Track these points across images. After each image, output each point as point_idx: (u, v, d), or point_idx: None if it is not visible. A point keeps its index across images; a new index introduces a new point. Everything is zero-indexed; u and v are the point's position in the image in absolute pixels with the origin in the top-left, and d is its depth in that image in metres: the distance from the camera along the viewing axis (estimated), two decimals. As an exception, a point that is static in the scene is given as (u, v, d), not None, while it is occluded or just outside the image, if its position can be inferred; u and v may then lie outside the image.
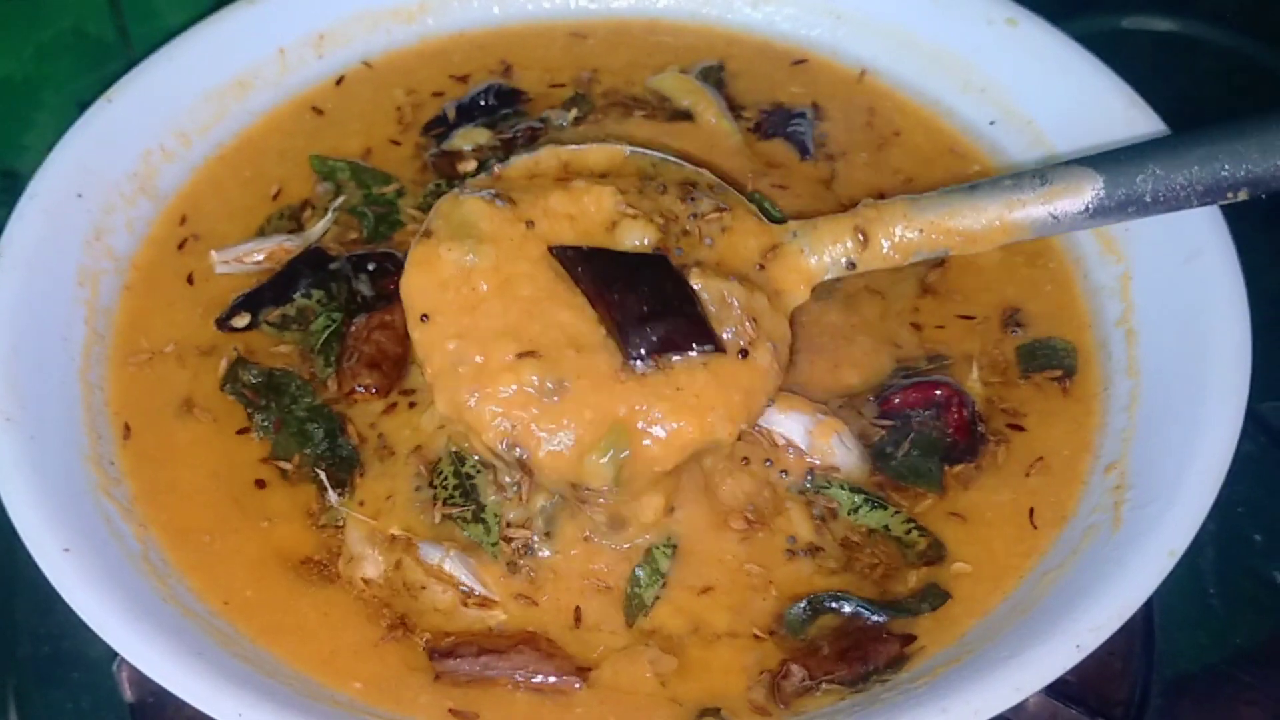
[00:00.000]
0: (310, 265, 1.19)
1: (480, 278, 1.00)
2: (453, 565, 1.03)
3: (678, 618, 1.03)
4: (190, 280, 1.21)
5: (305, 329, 1.16)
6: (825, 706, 0.98)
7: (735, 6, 1.39)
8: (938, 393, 1.10)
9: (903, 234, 1.05)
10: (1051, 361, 1.15)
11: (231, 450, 1.11)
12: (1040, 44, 1.27)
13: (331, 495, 1.06)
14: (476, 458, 1.05)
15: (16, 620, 1.26)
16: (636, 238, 1.02)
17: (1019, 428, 1.11)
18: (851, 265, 1.06)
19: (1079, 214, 1.03)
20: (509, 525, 1.05)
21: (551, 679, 0.99)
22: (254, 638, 1.01)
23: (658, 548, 1.04)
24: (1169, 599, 1.22)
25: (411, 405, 1.11)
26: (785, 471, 1.08)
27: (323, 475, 1.07)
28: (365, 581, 1.04)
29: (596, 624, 1.02)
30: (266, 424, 1.11)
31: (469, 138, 1.28)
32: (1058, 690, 1.11)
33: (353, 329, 1.14)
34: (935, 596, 1.03)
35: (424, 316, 1.00)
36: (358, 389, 1.11)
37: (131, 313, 1.19)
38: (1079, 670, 1.12)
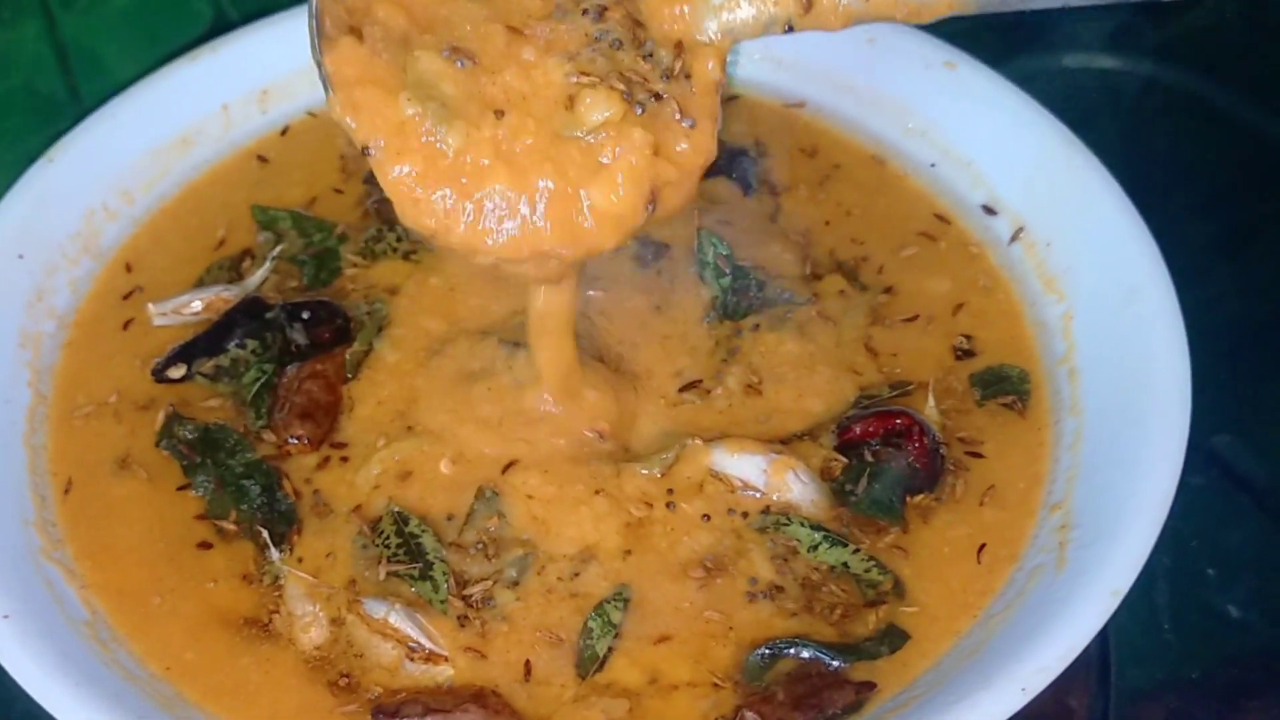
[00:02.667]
0: (248, 315, 1.19)
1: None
2: (398, 619, 1.02)
3: (633, 670, 1.02)
4: (126, 327, 1.21)
5: (239, 380, 1.16)
6: None
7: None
8: (898, 421, 1.11)
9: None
10: (1006, 388, 1.16)
11: (168, 508, 1.10)
12: (978, 86, 1.29)
13: (273, 552, 1.06)
14: (418, 520, 1.06)
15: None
16: (600, 114, 0.96)
17: (977, 454, 1.12)
18: (790, 28, 1.01)
19: None
20: (467, 581, 1.04)
21: None
22: (197, 701, 1.00)
23: (609, 600, 1.04)
24: (1124, 633, 1.23)
25: (344, 460, 1.11)
26: (745, 514, 1.08)
27: (264, 533, 1.06)
28: (306, 640, 1.03)
29: (547, 678, 1.02)
30: (205, 481, 1.11)
31: None
32: (1020, 720, 1.11)
33: (284, 379, 1.14)
34: (895, 638, 1.03)
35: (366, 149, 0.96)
36: (290, 440, 1.12)
37: (72, 368, 1.19)
38: (1035, 704, 1.13)
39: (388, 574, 1.04)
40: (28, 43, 1.35)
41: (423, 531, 1.06)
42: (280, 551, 1.06)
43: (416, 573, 1.04)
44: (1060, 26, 1.58)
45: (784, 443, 1.11)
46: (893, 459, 1.10)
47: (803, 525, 1.07)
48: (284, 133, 1.36)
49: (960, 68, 1.29)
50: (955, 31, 1.28)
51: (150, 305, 1.21)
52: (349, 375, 1.16)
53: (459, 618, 1.03)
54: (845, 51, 1.33)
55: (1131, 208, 1.17)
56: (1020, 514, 1.09)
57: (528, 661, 1.02)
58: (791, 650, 1.02)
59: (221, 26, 1.36)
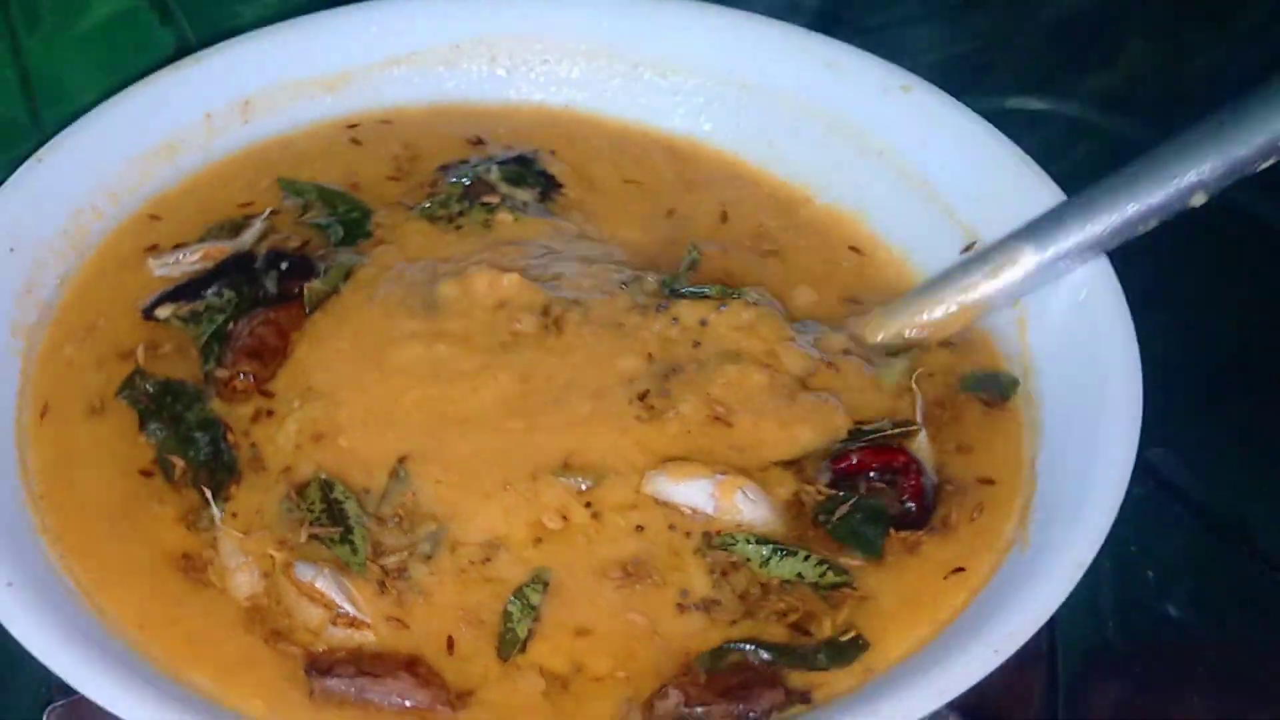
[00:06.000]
0: (236, 267, 1.24)
1: None
2: (325, 584, 1.04)
3: (556, 657, 1.03)
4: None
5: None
6: None
7: (642, 76, 1.44)
8: (901, 459, 1.12)
9: (881, 339, 1.21)
10: (995, 391, 1.20)
11: (125, 455, 1.14)
12: (934, 109, 1.34)
13: (214, 507, 1.09)
14: (343, 487, 1.09)
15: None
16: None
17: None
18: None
19: (1023, 280, 1.18)
20: (384, 551, 1.07)
21: (425, 705, 1.00)
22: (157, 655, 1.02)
23: (528, 584, 1.05)
24: (1071, 634, 1.28)
25: (269, 414, 1.15)
26: (687, 534, 1.09)
27: (207, 492, 1.09)
28: (237, 592, 1.05)
29: (471, 655, 1.03)
30: (157, 429, 1.14)
31: None
32: (971, 711, 1.14)
33: (237, 325, 1.19)
34: (849, 650, 1.03)
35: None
36: (239, 377, 1.16)
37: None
38: (990, 700, 1.18)
39: (309, 536, 1.07)
40: (-8, 67, 1.36)
41: (346, 498, 1.08)
42: (219, 503, 1.09)
43: (337, 536, 1.06)
44: (998, 71, 1.65)
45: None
46: (885, 494, 1.11)
47: (749, 543, 1.07)
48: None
49: (916, 90, 1.35)
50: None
51: (150, 259, 1.25)
52: (307, 310, 1.21)
53: (379, 583, 1.04)
54: (806, 76, 1.39)
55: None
56: (998, 514, 1.11)
57: (450, 638, 1.04)
58: (745, 647, 1.03)
59: (184, 54, 1.38)
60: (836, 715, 0.94)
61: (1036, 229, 1.19)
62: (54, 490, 1.11)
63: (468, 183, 1.34)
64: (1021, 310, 1.22)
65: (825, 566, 1.07)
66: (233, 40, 1.37)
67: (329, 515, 1.08)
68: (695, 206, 1.37)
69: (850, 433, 1.14)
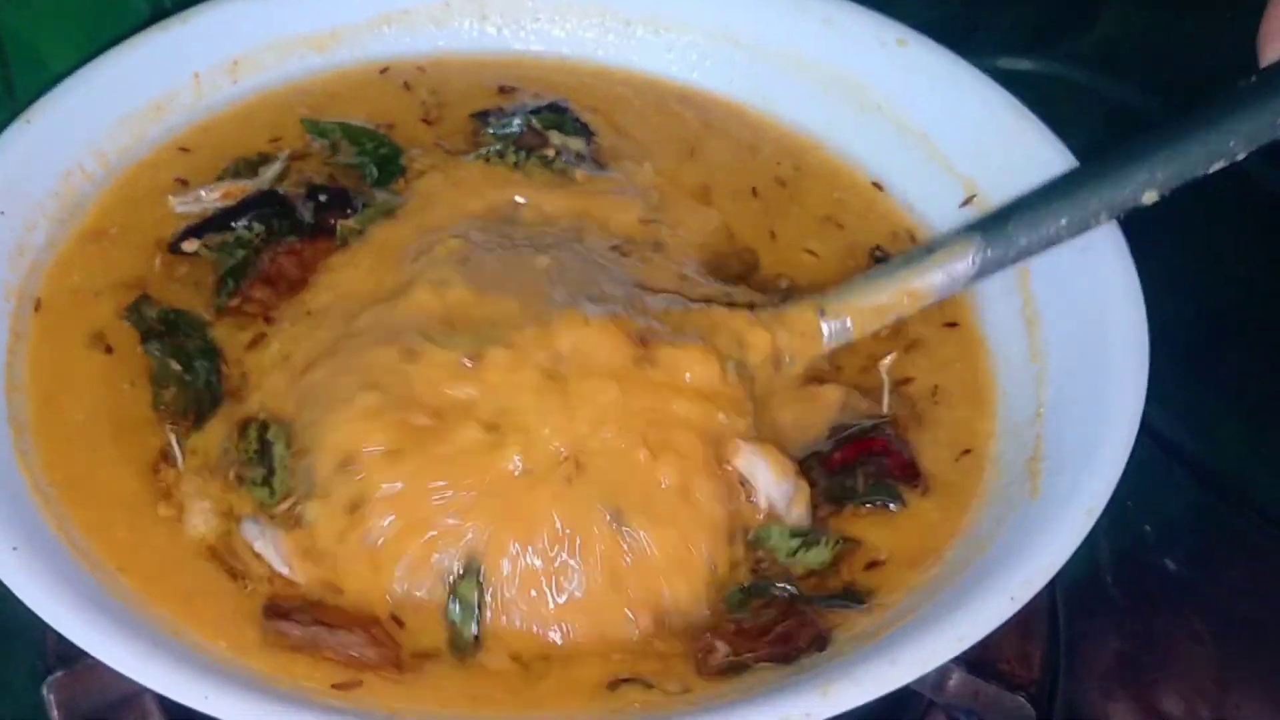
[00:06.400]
0: (263, 202, 1.23)
1: None
2: (263, 546, 1.03)
3: (525, 640, 1.01)
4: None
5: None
6: (755, 680, 0.98)
7: (635, 32, 1.44)
8: (879, 444, 1.13)
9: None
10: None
11: (122, 388, 1.13)
12: (930, 63, 1.35)
13: (175, 447, 1.08)
14: (278, 426, 1.07)
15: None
16: None
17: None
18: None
19: (969, 273, 1.15)
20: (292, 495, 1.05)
21: (373, 663, 0.97)
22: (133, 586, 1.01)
23: (462, 579, 1.00)
24: (1071, 589, 1.29)
25: (263, 338, 1.14)
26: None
27: (168, 428, 1.09)
28: (193, 530, 1.04)
29: (420, 629, 1.01)
30: (157, 349, 1.13)
31: None
32: (978, 669, 1.15)
33: (260, 256, 1.18)
34: (861, 594, 1.05)
35: None
36: (248, 303, 1.15)
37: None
38: (994, 654, 1.18)
39: (235, 475, 1.06)
40: (-35, 35, 1.34)
41: (276, 439, 1.06)
42: (189, 436, 1.09)
43: (259, 478, 1.05)
44: (985, 31, 1.65)
45: None
46: (877, 471, 1.13)
47: (782, 534, 1.07)
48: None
49: (911, 44, 1.36)
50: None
51: (171, 197, 1.25)
52: (338, 243, 1.20)
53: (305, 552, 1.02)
54: (801, 31, 1.39)
55: (1077, 162, 1.23)
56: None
57: (394, 615, 1.01)
58: (771, 587, 1.04)
59: (158, 19, 1.36)
60: (858, 662, 0.93)
61: (988, 224, 1.16)
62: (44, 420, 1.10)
63: (519, 131, 1.32)
64: (1024, 260, 1.22)
65: (840, 543, 1.07)
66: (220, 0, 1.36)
67: (260, 456, 1.06)
68: (719, 150, 1.37)
69: (830, 431, 1.15)
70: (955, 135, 1.32)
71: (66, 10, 1.40)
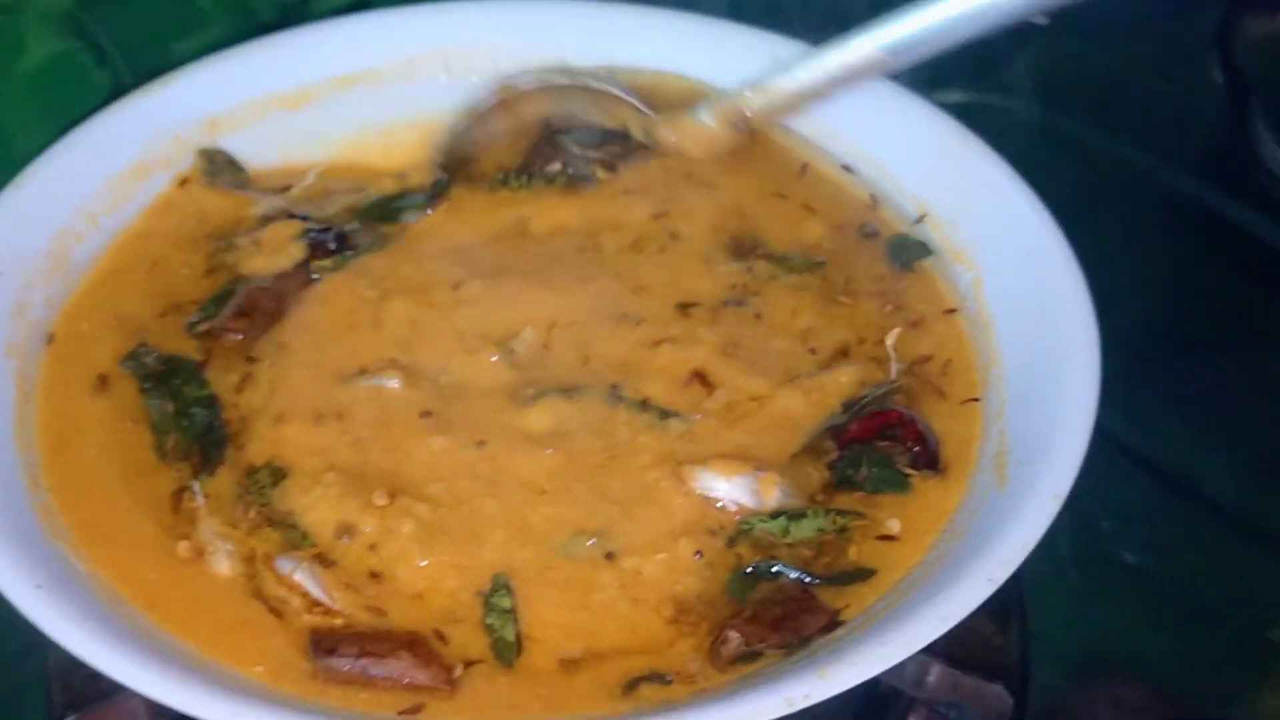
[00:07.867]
0: None
1: None
2: (303, 576, 1.07)
3: (571, 640, 1.06)
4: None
5: None
6: (765, 666, 1.04)
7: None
8: (895, 415, 1.18)
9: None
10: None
11: (127, 433, 1.17)
12: (879, 95, 1.40)
13: (195, 487, 1.12)
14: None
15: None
16: None
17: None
18: None
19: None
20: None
21: (425, 684, 1.02)
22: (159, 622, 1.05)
23: (494, 592, 1.07)
24: (1035, 583, 1.33)
25: (249, 377, 1.19)
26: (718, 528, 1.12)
27: (195, 485, 1.13)
28: (218, 572, 1.08)
29: (466, 641, 1.06)
30: (157, 401, 1.18)
31: None
32: (957, 663, 1.20)
33: (239, 289, 1.24)
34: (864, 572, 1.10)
35: None
36: (228, 334, 1.20)
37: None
38: (968, 648, 1.23)
39: (256, 514, 1.11)
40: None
41: (286, 489, 1.12)
42: (201, 480, 1.13)
43: (286, 521, 1.10)
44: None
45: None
46: (892, 448, 1.18)
47: (764, 521, 1.12)
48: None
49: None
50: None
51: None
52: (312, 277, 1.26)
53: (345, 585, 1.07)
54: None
55: (1023, 182, 1.31)
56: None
57: (437, 630, 1.06)
58: (773, 569, 1.10)
59: (119, 94, 1.40)
60: (849, 649, 0.98)
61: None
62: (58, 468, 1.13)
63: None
64: (976, 272, 1.30)
65: (834, 514, 1.13)
66: (200, 61, 1.41)
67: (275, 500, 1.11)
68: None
69: (843, 405, 1.20)
70: (902, 160, 1.39)
71: (29, 88, 1.44)
